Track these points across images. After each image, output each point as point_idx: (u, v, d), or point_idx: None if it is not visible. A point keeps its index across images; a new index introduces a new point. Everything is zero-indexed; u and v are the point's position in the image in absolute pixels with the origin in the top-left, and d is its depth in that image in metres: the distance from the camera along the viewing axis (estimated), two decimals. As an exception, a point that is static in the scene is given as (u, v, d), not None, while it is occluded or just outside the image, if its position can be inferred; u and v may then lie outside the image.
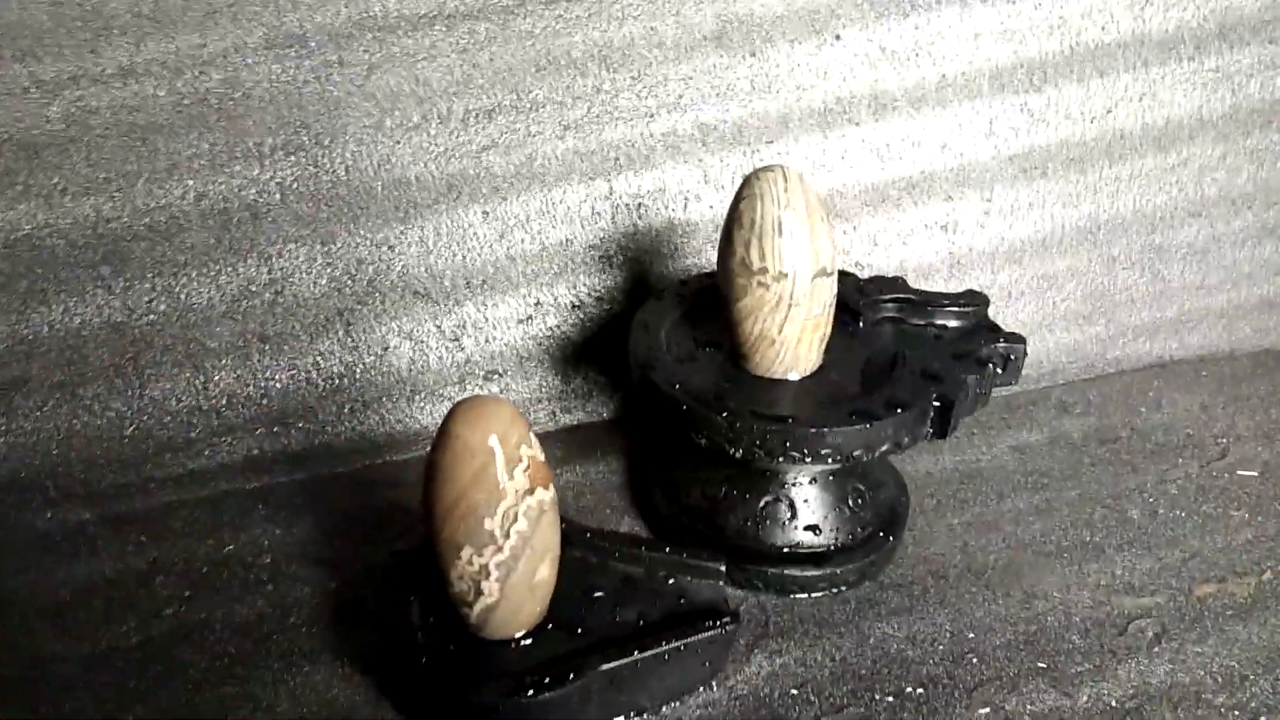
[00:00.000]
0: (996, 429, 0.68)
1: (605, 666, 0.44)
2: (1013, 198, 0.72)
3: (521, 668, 0.44)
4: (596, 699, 0.45)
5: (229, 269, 0.63)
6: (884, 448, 0.49)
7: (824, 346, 0.53)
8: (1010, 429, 0.69)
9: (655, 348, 0.54)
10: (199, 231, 0.62)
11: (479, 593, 0.43)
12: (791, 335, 0.51)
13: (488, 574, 0.43)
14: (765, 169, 0.50)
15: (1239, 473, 0.64)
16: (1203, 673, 0.50)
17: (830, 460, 0.48)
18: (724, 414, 0.49)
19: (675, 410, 0.50)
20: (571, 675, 0.43)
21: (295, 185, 0.63)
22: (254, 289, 0.63)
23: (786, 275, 0.50)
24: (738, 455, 0.49)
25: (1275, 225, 0.76)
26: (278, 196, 0.63)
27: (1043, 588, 0.55)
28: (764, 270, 0.50)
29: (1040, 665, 0.50)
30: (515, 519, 0.42)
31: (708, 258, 0.68)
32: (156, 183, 0.61)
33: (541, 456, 0.44)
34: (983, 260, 0.72)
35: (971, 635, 0.52)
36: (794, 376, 0.53)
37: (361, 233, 0.64)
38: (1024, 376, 0.72)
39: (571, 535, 0.52)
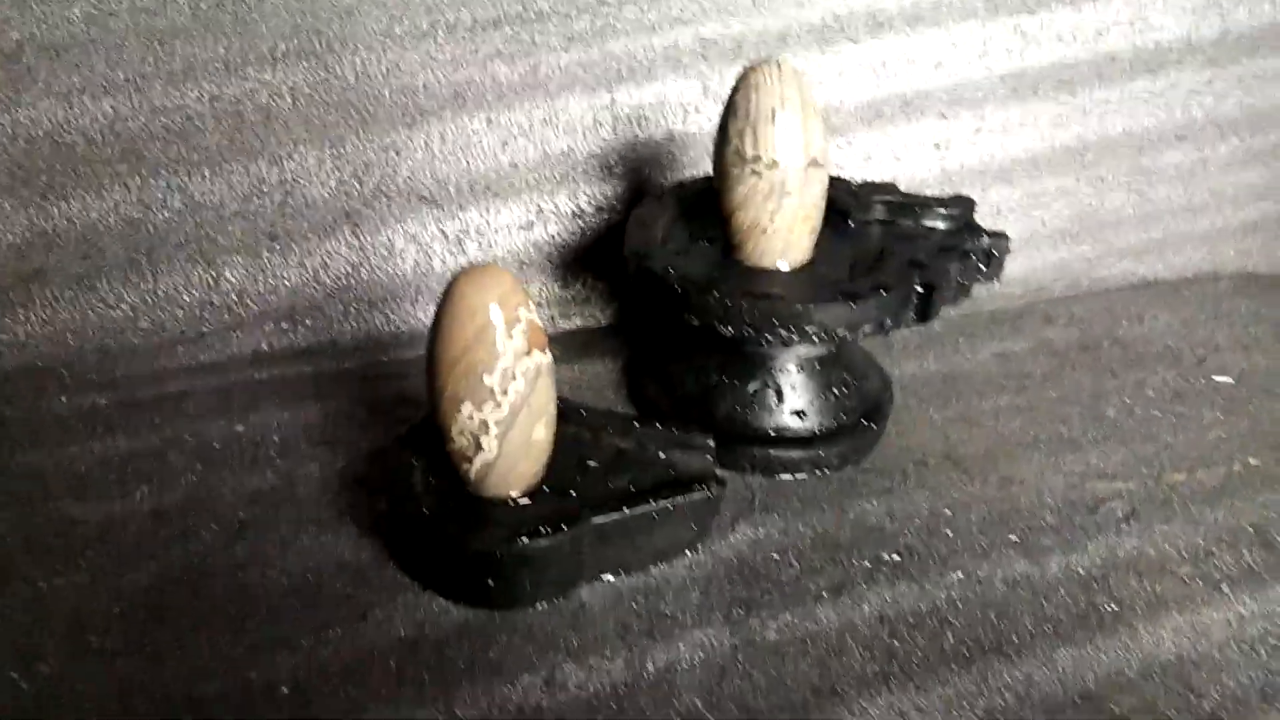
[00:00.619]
0: (982, 337, 0.71)
1: (596, 520, 0.47)
2: (1004, 117, 0.74)
3: (517, 521, 0.47)
4: (588, 552, 0.48)
5: (240, 169, 0.65)
6: (868, 327, 0.51)
7: (814, 239, 0.55)
8: (995, 338, 0.71)
9: (651, 240, 0.56)
10: (212, 133, 0.65)
11: (478, 448, 0.46)
12: (783, 225, 0.54)
13: (487, 429, 0.45)
14: (761, 61, 0.52)
15: (1215, 378, 0.67)
16: (1169, 547, 0.52)
17: (816, 339, 0.51)
18: (715, 294, 0.51)
19: (669, 294, 0.53)
20: (564, 526, 0.46)
21: (306, 90, 0.65)
22: (264, 189, 0.65)
23: (779, 164, 0.52)
24: (729, 333, 0.51)
25: (1261, 150, 0.78)
26: (289, 100, 0.65)
27: (1019, 474, 0.57)
28: (757, 159, 0.52)
29: (1012, 539, 0.53)
30: (514, 377, 0.45)
31: (705, 169, 0.70)
32: (173, 84, 0.64)
33: (539, 322, 0.46)
34: (973, 178, 0.74)
35: (948, 512, 0.54)
36: (784, 266, 0.55)
37: (369, 137, 0.66)
38: (1010, 293, 0.75)
39: (567, 412, 0.54)
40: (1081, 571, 0.51)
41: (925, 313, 0.53)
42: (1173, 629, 0.47)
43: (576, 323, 0.72)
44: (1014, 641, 0.47)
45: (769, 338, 0.51)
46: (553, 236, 0.70)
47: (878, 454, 0.59)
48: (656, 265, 0.53)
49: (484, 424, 0.45)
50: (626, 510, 0.48)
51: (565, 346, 0.69)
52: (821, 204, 0.54)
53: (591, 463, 0.52)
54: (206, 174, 0.65)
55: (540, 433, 0.47)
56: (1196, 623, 0.48)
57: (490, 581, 0.46)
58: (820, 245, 0.56)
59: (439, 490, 0.49)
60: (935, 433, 0.61)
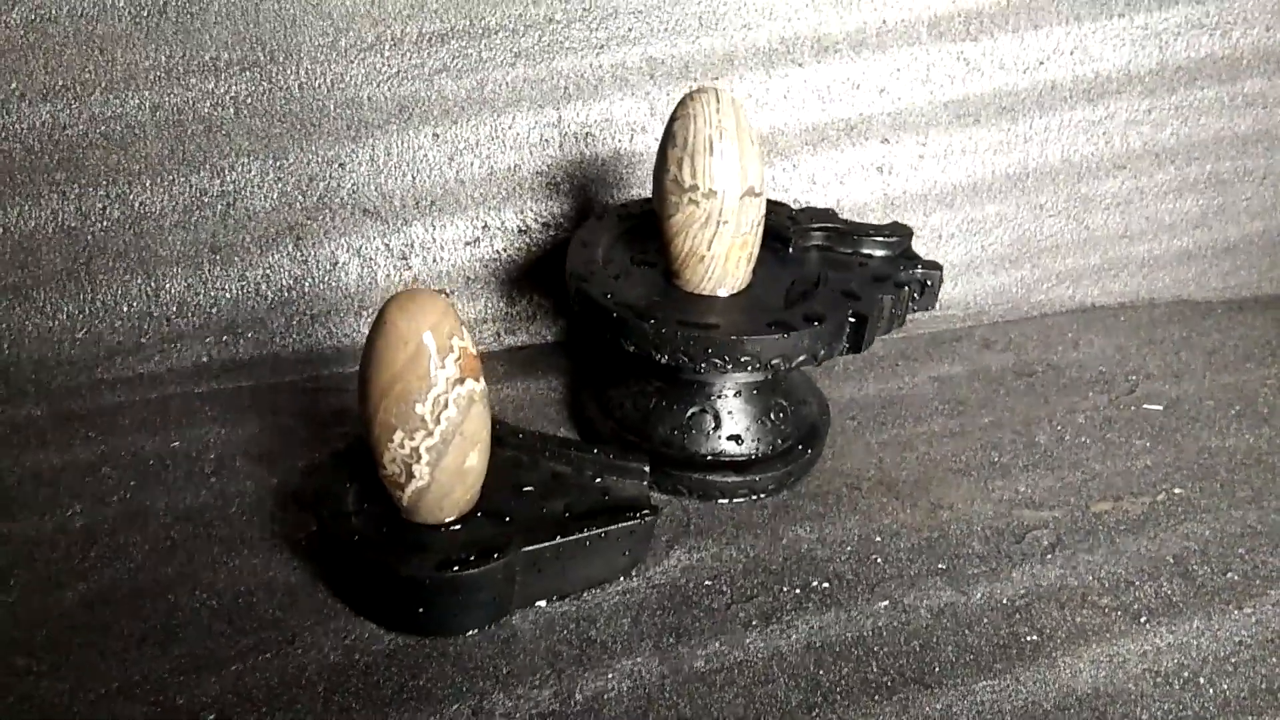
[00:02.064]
0: (920, 361, 0.72)
1: (529, 548, 0.47)
2: (946, 143, 0.75)
3: (449, 548, 0.47)
4: (520, 579, 0.48)
5: (182, 179, 0.64)
6: (801, 357, 0.52)
7: (751, 266, 0.56)
8: (933, 361, 0.72)
9: (591, 263, 0.57)
10: (153, 142, 0.64)
11: (410, 475, 0.46)
12: (720, 252, 0.54)
13: (419, 458, 0.45)
14: (699, 90, 0.53)
15: (1145, 406, 0.68)
16: (1091, 578, 0.54)
17: (750, 368, 0.51)
18: (651, 321, 0.51)
19: (606, 319, 0.53)
20: (496, 554, 0.46)
21: (249, 100, 0.65)
22: (206, 200, 0.65)
23: (716, 193, 0.52)
24: (663, 361, 0.52)
25: (1196, 179, 0.80)
26: (231, 111, 0.65)
27: (949, 500, 0.59)
28: (694, 188, 0.52)
29: (940, 566, 0.54)
30: (446, 405, 0.45)
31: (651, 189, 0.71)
32: (113, 92, 0.63)
33: (473, 350, 0.46)
34: (915, 202, 0.75)
35: (879, 539, 0.55)
36: (722, 293, 0.56)
37: (313, 149, 0.66)
38: (950, 316, 0.76)
39: (504, 435, 0.54)
40: (1005, 601, 0.52)
41: (858, 343, 0.54)
42: (1090, 660, 0.49)
43: (523, 339, 0.72)
44: (935, 672, 0.48)
45: (704, 367, 0.51)
46: (499, 253, 0.70)
47: (813, 477, 0.60)
48: (595, 290, 0.54)
49: (416, 452, 0.45)
50: (559, 538, 0.48)
51: (509, 364, 0.69)
52: (759, 232, 0.55)
53: (527, 487, 0.52)
54: (147, 184, 0.64)
55: (474, 460, 0.47)
56: (1114, 654, 0.49)
57: (420, 609, 0.47)
58: (759, 271, 0.57)
59: (371, 514, 0.49)
60: (870, 457, 0.62)
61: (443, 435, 0.45)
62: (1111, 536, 0.57)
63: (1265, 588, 0.54)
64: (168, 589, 0.50)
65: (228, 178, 0.65)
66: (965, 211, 0.76)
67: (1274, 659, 0.50)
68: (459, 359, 0.45)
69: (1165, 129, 0.78)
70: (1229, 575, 0.55)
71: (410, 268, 0.68)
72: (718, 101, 0.52)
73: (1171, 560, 0.55)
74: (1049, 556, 0.55)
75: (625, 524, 0.49)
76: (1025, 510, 0.58)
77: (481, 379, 0.47)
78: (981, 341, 0.75)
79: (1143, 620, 0.51)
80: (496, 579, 0.47)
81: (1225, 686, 0.48)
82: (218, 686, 0.45)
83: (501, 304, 0.71)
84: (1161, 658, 0.49)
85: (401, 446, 0.45)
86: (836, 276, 0.57)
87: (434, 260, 0.69)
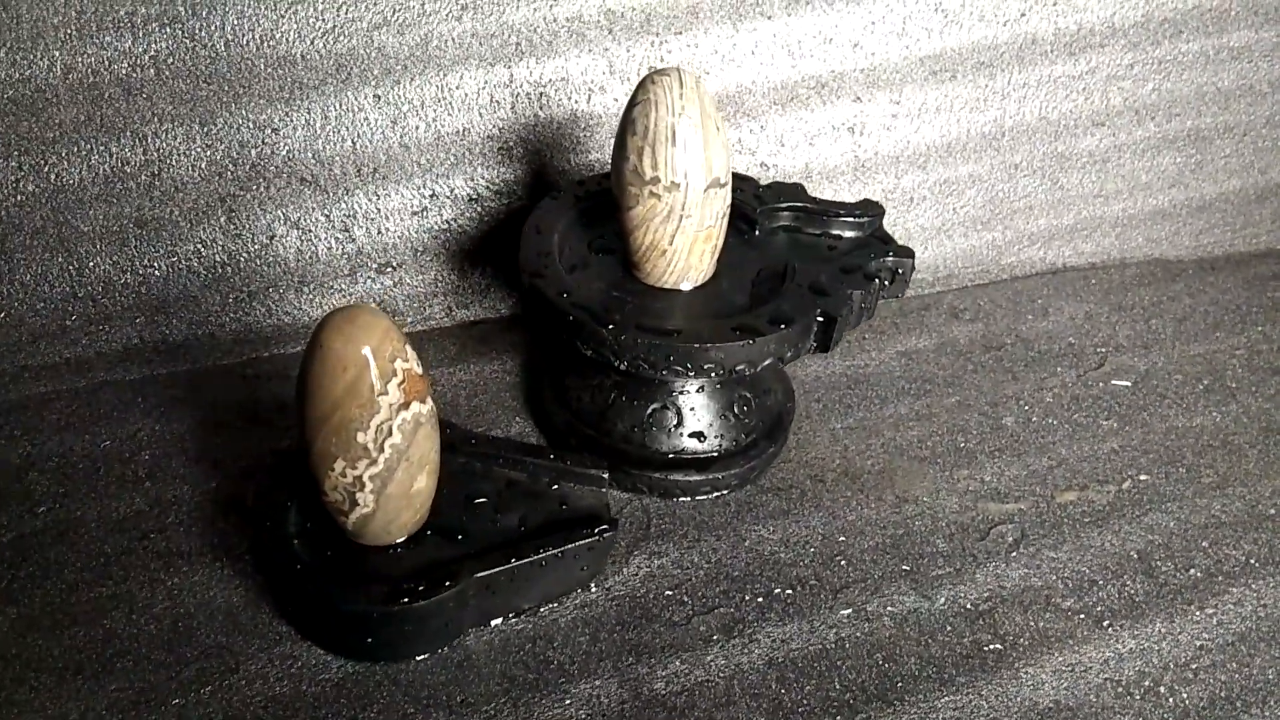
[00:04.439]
0: (888, 334, 0.70)
1: (481, 574, 0.45)
2: (921, 100, 0.71)
3: (398, 573, 0.45)
4: (473, 604, 0.46)
5: (101, 148, 0.59)
6: (767, 362, 0.50)
7: (716, 256, 0.53)
8: (901, 333, 0.70)
9: (546, 253, 0.53)
10: (67, 107, 0.59)
11: (354, 503, 0.43)
12: (683, 246, 0.51)
13: (362, 486, 0.43)
14: (660, 73, 0.49)
15: (1113, 382, 0.67)
16: (1055, 578, 0.53)
17: (713, 375, 0.49)
18: (609, 326, 0.48)
19: (561, 321, 0.50)
20: (447, 583, 0.44)
21: (171, 60, 0.59)
22: (128, 170, 0.60)
23: (679, 186, 0.49)
24: (622, 368, 0.49)
25: (1176, 136, 0.77)
26: (152, 71, 0.59)
27: (914, 493, 0.57)
28: (656, 180, 0.49)
29: (904, 568, 0.53)
30: (389, 433, 0.42)
31: (610, 154, 0.67)
32: (20, 53, 0.57)
33: (418, 369, 0.43)
34: (887, 164, 0.72)
35: (843, 539, 0.54)
36: (685, 286, 0.53)
37: (243, 113, 0.61)
38: (919, 281, 0.74)
39: (456, 441, 0.52)
40: (969, 605, 0.51)
41: (826, 343, 0.51)
42: (1053, 670, 0.48)
43: (476, 313, 0.68)
44: (898, 687, 0.47)
45: (665, 374, 0.49)
46: (448, 223, 0.66)
47: (777, 469, 0.58)
48: (549, 289, 0.51)
49: (359, 481, 0.43)
50: (514, 560, 0.46)
51: (462, 342, 0.66)
52: (724, 222, 0.52)
53: (480, 499, 0.50)
54: (63, 153, 0.59)
55: (421, 483, 0.45)
56: (1076, 663, 0.49)
57: (368, 639, 0.45)
58: (724, 256, 0.54)
59: (313, 535, 0.47)
60: (834, 445, 0.60)
61: (387, 463, 0.43)
62: (1076, 530, 0.56)
63: (1227, 584, 0.54)
64: (103, 612, 0.47)
65: (151, 145, 0.60)
66: (938, 172, 0.73)
67: (1233, 664, 0.50)
68: (403, 382, 0.42)
69: (1147, 84, 0.75)
70: (1191, 572, 0.54)
71: (353, 240, 0.64)
72: (680, 86, 0.48)
73: (1135, 556, 0.55)
74: (1014, 554, 0.54)
75: (583, 542, 0.48)
76: (990, 503, 0.57)
77: (428, 399, 0.44)
78: (949, 310, 0.73)
79: (1105, 624, 0.51)
80: (448, 607, 0.45)
81: (1185, 695, 0.48)
82: (158, 723, 0.43)
83: (452, 277, 0.67)
84: (1123, 665, 0.49)
85: (343, 475, 0.43)
86: (804, 266, 0.54)
87: (378, 232, 0.65)
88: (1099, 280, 0.77)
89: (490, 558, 0.46)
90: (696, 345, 0.48)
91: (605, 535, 0.48)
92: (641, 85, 0.49)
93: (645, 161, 0.49)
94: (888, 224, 0.62)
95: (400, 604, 0.43)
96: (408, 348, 0.43)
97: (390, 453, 0.43)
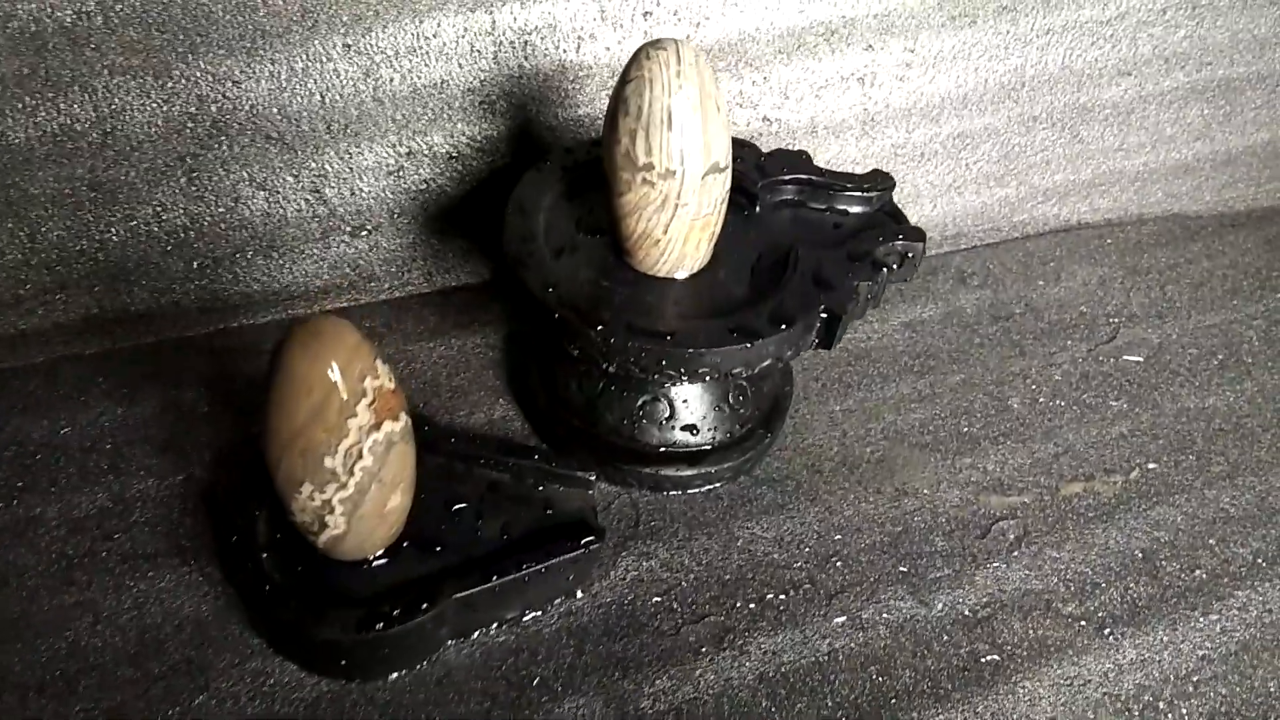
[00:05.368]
0: (893, 302, 0.66)
1: (460, 595, 0.43)
2: (937, 48, 0.66)
3: (373, 592, 0.43)
4: (453, 620, 0.44)
5: (48, 104, 0.54)
6: (765, 363, 0.47)
7: (714, 243, 0.49)
8: (906, 302, 0.66)
9: (530, 237, 0.49)
10: (8, 59, 0.53)
11: (323, 525, 0.41)
12: (678, 235, 0.47)
13: (331, 509, 0.40)
14: (656, 45, 0.44)
15: (1125, 358, 0.64)
16: (1056, 579, 0.51)
17: (709, 378, 0.46)
18: (598, 327, 0.45)
19: (547, 317, 0.46)
20: (424, 605, 0.42)
21: (119, 6, 0.54)
22: (79, 129, 0.55)
23: (675, 173, 0.45)
24: (611, 370, 0.46)
25: (1205, 87, 0.72)
26: (100, 19, 0.54)
27: (914, 484, 0.55)
28: (650, 166, 0.45)
29: (902, 569, 0.51)
30: (360, 455, 0.39)
31: (602, 107, 0.62)
32: (-52, -2, 0.52)
33: (391, 384, 0.40)
34: (898, 117, 0.67)
35: (839, 537, 0.52)
36: (680, 275, 0.49)
37: (201, 65, 0.56)
38: (927, 239, 0.70)
39: (435, 439, 0.49)
40: (967, 612, 0.50)
41: (829, 340, 0.48)
42: (1051, 684, 0.47)
43: (458, 278, 0.65)
44: (892, 703, 0.46)
45: (657, 376, 0.46)
46: (426, 182, 0.61)
47: (773, 457, 0.56)
48: (534, 280, 0.47)
49: (328, 504, 0.40)
50: (495, 579, 0.44)
51: (442, 312, 0.63)
52: (723, 208, 0.48)
53: (460, 504, 0.47)
54: (5, 111, 0.54)
55: (396, 501, 0.42)
56: (1075, 675, 0.47)
57: (343, 661, 0.43)
58: (723, 236, 0.50)
59: (284, 548, 0.44)
60: (833, 430, 0.58)
61: (358, 486, 0.40)
62: (1080, 526, 0.54)
63: (1232, 587, 0.52)
64: (66, 622, 0.45)
65: (102, 101, 0.55)
66: (951, 125, 0.68)
67: (1234, 676, 0.48)
68: (373, 402, 0.39)
69: (1179, 30, 0.69)
70: (1197, 573, 0.53)
71: (324, 201, 0.60)
72: (678, 62, 0.44)
73: (1140, 555, 0.53)
74: (1015, 553, 0.52)
75: (567, 555, 0.45)
76: (993, 495, 0.55)
77: (403, 415, 0.41)
78: (957, 275, 0.69)
79: (1106, 632, 0.49)
80: (425, 628, 0.43)
81: (1185, 710, 0.47)
82: (126, 743, 0.42)
83: (432, 240, 0.63)
84: (1123, 678, 0.48)
85: (311, 499, 0.40)
86: (808, 252, 0.50)
87: (351, 192, 0.60)
88: (1114, 239, 0.74)
89: (471, 575, 0.44)
90: (691, 351, 0.44)
91: (591, 547, 0.46)
92: (635, 60, 0.44)
93: (638, 146, 0.44)
94: (897, 180, 0.58)
95: (375, 631, 0.41)
96: (378, 362, 0.40)
97: (361, 475, 0.40)
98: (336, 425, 0.38)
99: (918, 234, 0.52)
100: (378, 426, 0.39)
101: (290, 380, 0.38)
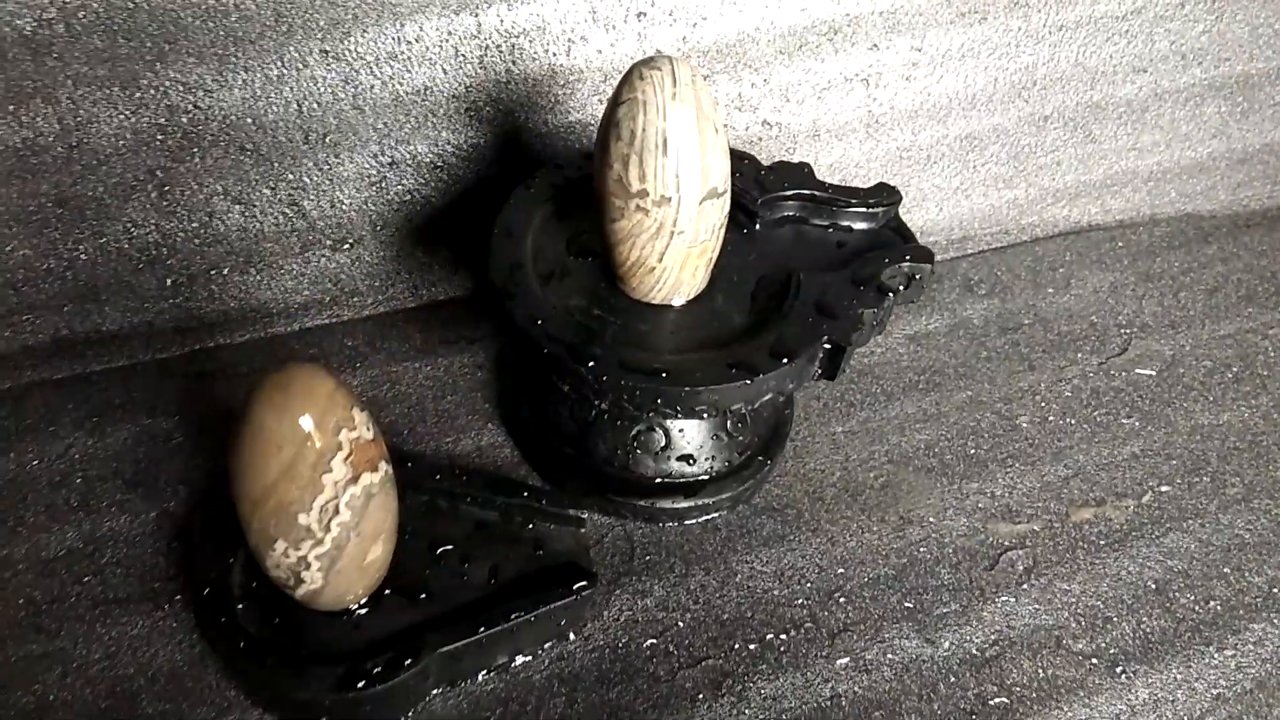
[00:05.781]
0: (897, 313, 0.64)
1: (445, 649, 0.41)
2: (945, 46, 0.63)
3: (354, 647, 0.41)
4: (437, 673, 0.42)
5: (8, 117, 0.51)
6: (765, 398, 0.44)
7: (711, 269, 0.47)
8: (910, 313, 0.64)
9: (518, 263, 0.47)
10: (-38, 68, 0.50)
11: (300, 580, 0.39)
12: (673, 262, 0.45)
13: (307, 565, 0.38)
14: (649, 65, 0.41)
15: (1137, 371, 0.62)
16: (1067, 614, 0.50)
17: (706, 415, 0.44)
18: (589, 364, 0.43)
19: (536, 351, 0.44)
20: (407, 661, 0.40)
21: (82, 14, 0.51)
22: (42, 142, 0.52)
23: (670, 199, 0.42)
24: (604, 408, 0.44)
25: (1223, 83, 0.69)
26: (61, 27, 0.51)
27: (919, 511, 0.53)
28: (644, 193, 0.42)
29: (907, 605, 0.49)
30: (336, 511, 0.37)
31: (594, 113, 0.59)
32: (-100, 5, 0.49)
33: (369, 434, 0.38)
34: (904, 119, 0.64)
35: (841, 570, 0.50)
36: (677, 301, 0.47)
37: (171, 74, 0.53)
38: (933, 244, 0.67)
39: (419, 475, 0.47)
40: (974, 651, 0.48)
41: (833, 371, 0.46)
42: (1060, 729, 0.45)
43: (445, 291, 0.62)
44: (897, 753, 0.44)
45: (652, 415, 0.44)
46: (410, 193, 0.58)
47: (774, 484, 0.54)
48: (521, 314, 0.44)
49: (304, 560, 0.38)
50: (483, 629, 0.42)
51: (428, 328, 0.60)
52: (720, 233, 0.45)
53: (445, 546, 0.45)
54: (-39, 123, 0.51)
55: (376, 552, 0.40)
56: (1087, 718, 0.46)
57: (323, 717, 0.41)
58: (721, 258, 0.48)
59: (260, 597, 0.42)
60: (835, 454, 0.55)
61: (335, 541, 0.38)
62: (1091, 556, 0.52)
63: (1247, 619, 0.50)
64: (36, 675, 0.43)
65: (66, 113, 0.52)
66: (959, 126, 0.66)
67: (1250, 717, 0.47)
68: (350, 455, 0.37)
69: (1198, 25, 0.66)
70: (1211, 604, 0.51)
71: (303, 214, 0.57)
72: (674, 83, 0.41)
73: (1153, 586, 0.51)
74: (1024, 586, 0.50)
75: (558, 603, 0.43)
76: (1001, 523, 0.53)
77: (382, 464, 0.39)
78: (964, 282, 0.67)
79: (1118, 670, 0.48)
80: (409, 684, 0.41)
81: (1198, 756, 0.45)
82: (99, 806, 0.40)
83: (417, 253, 0.60)
84: (1135, 720, 0.46)
85: (286, 555, 0.38)
86: (810, 276, 0.48)
87: (331, 205, 0.57)
88: (1126, 242, 0.71)
89: (457, 625, 0.42)
90: (687, 390, 0.42)
91: (584, 593, 0.44)
92: (627, 80, 0.42)
93: (631, 172, 0.42)
94: (902, 185, 0.56)
95: (355, 691, 0.39)
96: (355, 410, 0.37)
97: (339, 531, 0.38)
98: (310, 481, 0.36)
99: (925, 254, 0.49)
100: (355, 480, 0.37)
101: (260, 439, 0.36)
